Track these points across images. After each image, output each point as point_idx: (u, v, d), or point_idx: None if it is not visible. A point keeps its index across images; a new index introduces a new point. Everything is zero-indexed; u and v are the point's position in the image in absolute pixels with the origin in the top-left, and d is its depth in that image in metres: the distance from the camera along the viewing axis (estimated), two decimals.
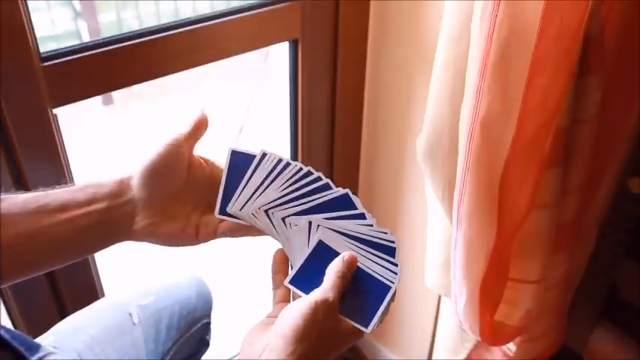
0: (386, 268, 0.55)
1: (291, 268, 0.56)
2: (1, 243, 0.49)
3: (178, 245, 0.57)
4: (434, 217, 0.85)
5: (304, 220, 0.56)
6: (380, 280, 0.55)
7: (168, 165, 0.54)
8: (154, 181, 0.54)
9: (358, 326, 0.52)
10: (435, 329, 1.17)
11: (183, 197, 0.56)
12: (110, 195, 0.53)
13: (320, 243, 0.55)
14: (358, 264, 0.54)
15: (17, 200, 0.51)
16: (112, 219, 0.53)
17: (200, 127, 0.56)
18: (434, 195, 0.79)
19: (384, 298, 0.54)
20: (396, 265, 0.55)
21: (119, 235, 0.55)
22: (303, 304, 0.49)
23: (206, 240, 0.57)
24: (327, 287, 0.51)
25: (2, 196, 0.51)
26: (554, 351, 0.90)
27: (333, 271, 0.52)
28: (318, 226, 0.56)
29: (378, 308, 0.53)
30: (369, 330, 0.52)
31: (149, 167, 0.53)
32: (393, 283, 0.55)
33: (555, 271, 0.76)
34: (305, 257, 0.55)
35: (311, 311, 0.48)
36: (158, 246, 0.57)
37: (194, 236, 0.57)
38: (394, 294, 0.54)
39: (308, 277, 0.54)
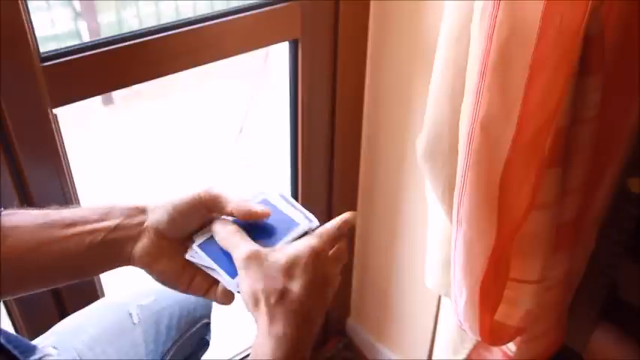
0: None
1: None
2: (0, 253, 0.49)
3: (167, 286, 0.57)
4: (434, 217, 0.85)
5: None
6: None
7: (199, 214, 0.55)
8: (178, 218, 0.55)
9: (301, 226, 0.54)
10: (435, 329, 1.17)
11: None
12: (121, 215, 0.54)
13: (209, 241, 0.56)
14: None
15: (28, 215, 0.53)
16: (116, 239, 0.54)
17: (252, 216, 0.55)
18: (434, 195, 0.79)
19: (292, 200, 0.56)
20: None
21: (117, 259, 0.55)
22: (236, 278, 0.52)
23: (195, 293, 0.58)
24: (233, 248, 0.52)
25: (15, 211, 0.53)
26: (554, 351, 0.90)
27: (222, 237, 0.54)
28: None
29: (297, 207, 0.55)
30: (313, 222, 0.53)
31: (184, 203, 0.54)
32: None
33: (555, 271, 0.76)
34: (214, 264, 0.55)
35: (242, 272, 0.50)
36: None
37: (186, 285, 0.57)
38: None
39: (232, 271, 0.54)
